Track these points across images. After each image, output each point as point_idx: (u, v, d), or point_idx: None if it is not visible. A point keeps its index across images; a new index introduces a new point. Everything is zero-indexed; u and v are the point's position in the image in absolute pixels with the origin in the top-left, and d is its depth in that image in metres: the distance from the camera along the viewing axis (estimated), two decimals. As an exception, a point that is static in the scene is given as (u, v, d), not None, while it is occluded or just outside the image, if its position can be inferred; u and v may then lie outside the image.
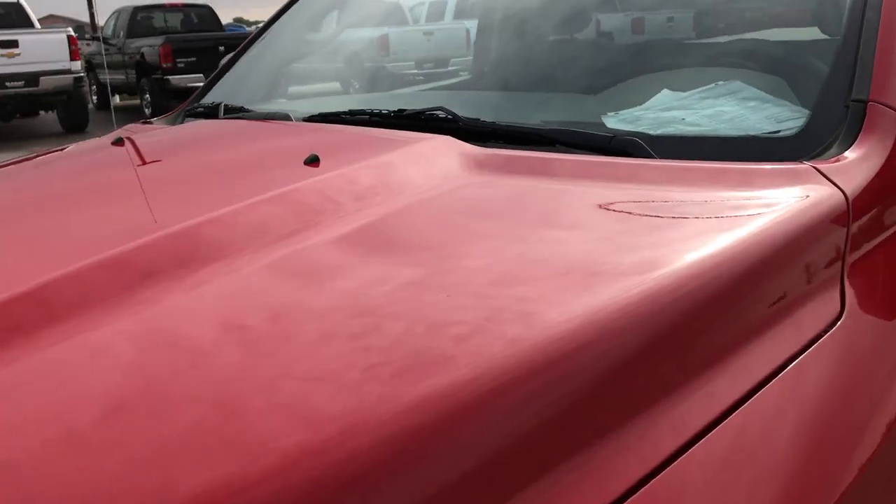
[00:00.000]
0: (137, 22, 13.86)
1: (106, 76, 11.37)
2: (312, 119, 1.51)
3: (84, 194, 1.27)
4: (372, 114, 1.40)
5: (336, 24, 2.27)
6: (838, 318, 0.90)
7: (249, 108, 1.69)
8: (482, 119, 1.30)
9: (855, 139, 1.10)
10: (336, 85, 2.77)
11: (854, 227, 0.98)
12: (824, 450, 0.79)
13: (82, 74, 11.31)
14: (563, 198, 1.03)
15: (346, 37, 2.28)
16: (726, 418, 0.72)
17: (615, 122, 1.29)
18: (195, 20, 14.51)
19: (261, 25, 2.16)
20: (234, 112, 1.67)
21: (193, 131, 1.68)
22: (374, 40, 2.69)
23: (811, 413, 0.79)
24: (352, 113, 1.45)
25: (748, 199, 0.98)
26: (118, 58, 13.26)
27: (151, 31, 13.66)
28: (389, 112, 1.38)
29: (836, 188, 1.00)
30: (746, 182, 1.02)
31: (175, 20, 14.56)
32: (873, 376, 0.90)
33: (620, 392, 0.69)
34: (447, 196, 1.03)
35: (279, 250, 0.90)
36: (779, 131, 1.17)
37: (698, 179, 1.05)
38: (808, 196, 0.98)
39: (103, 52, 12.62)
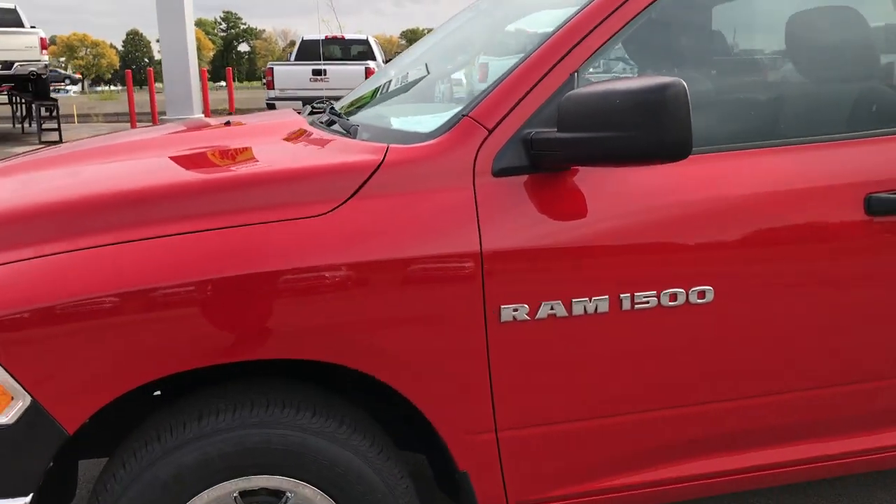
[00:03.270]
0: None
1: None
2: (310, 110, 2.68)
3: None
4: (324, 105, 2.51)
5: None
6: (335, 209, 1.75)
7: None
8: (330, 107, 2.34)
9: (436, 138, 1.86)
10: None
11: (374, 180, 1.79)
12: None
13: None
14: (260, 137, 2.10)
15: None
16: None
17: (395, 120, 2.17)
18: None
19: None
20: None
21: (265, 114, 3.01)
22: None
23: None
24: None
25: (318, 153, 1.91)
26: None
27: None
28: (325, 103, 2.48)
29: (381, 157, 1.82)
30: (340, 149, 1.92)
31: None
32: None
33: None
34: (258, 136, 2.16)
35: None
36: (427, 129, 1.94)
37: (319, 143, 1.99)
38: (349, 155, 1.85)
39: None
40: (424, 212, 1.78)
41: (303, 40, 15.91)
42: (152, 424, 1.79)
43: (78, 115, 21.46)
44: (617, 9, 1.90)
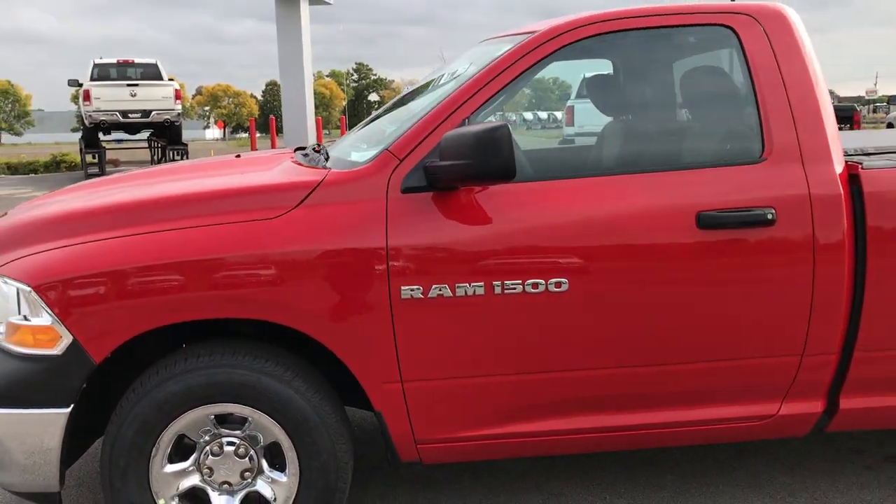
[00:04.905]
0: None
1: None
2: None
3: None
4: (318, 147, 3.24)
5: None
6: (283, 214, 2.48)
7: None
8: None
9: (364, 165, 2.57)
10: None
11: (314, 195, 2.51)
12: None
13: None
14: (252, 166, 2.84)
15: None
16: None
17: (355, 154, 2.88)
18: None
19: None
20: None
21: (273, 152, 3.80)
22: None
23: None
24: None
25: (282, 176, 2.64)
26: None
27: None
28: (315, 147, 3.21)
29: (321, 179, 2.54)
30: (298, 173, 2.65)
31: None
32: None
33: None
34: (248, 168, 2.91)
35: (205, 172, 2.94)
36: (363, 160, 2.65)
37: (289, 169, 2.71)
38: (301, 177, 2.58)
39: None
40: (348, 217, 2.48)
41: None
42: (156, 364, 2.55)
43: (211, 160, 23.51)
44: (499, 74, 2.58)
